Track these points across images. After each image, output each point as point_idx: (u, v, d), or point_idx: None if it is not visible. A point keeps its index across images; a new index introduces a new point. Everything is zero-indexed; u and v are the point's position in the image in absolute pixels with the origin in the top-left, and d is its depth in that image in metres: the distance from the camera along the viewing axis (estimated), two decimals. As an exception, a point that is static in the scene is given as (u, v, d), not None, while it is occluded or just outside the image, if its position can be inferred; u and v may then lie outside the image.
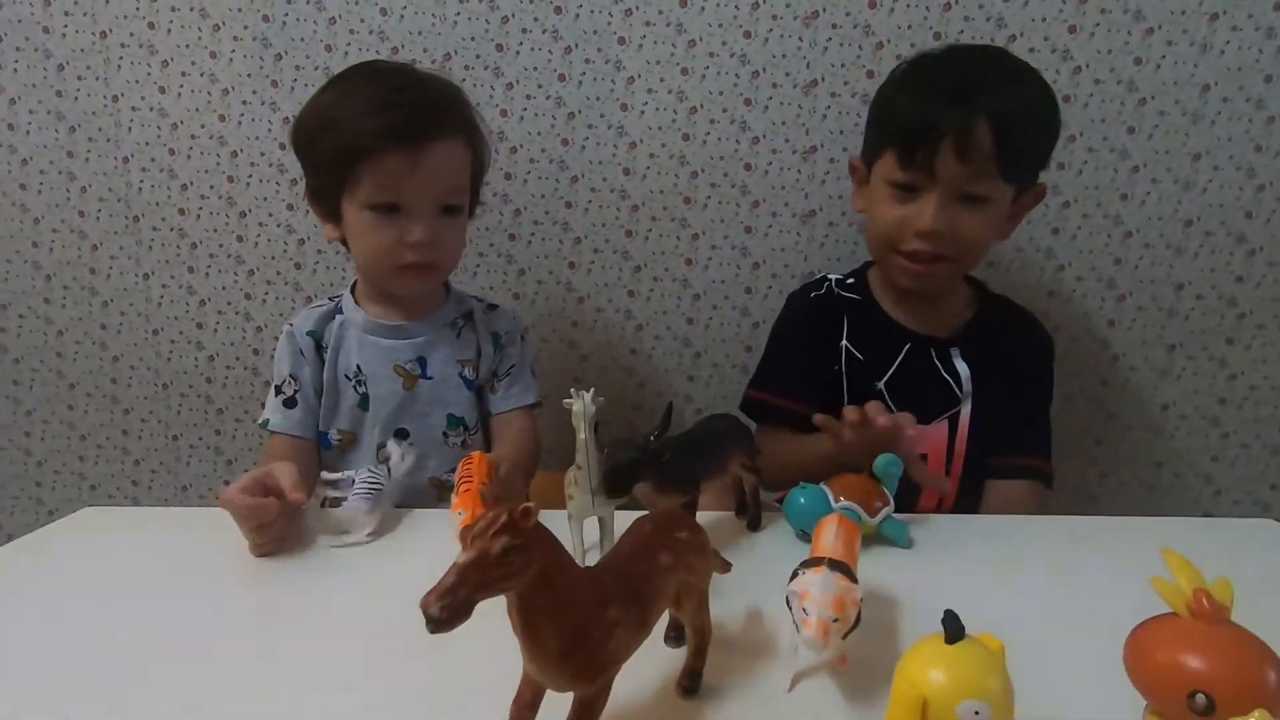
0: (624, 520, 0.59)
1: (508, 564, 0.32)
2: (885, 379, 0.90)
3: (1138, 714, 0.38)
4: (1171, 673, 0.34)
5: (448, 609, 0.31)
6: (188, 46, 1.09)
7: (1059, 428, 0.98)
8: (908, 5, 1.02)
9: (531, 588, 0.34)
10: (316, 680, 0.47)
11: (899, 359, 0.90)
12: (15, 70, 1.11)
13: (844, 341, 0.92)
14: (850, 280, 0.97)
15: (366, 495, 0.67)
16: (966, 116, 0.78)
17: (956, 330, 0.92)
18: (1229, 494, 1.14)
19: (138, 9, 1.09)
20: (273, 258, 1.15)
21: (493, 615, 0.34)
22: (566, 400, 0.53)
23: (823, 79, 1.04)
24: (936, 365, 0.90)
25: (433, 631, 0.31)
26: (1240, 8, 0.99)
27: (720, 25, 1.05)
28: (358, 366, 0.87)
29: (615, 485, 0.55)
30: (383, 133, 0.77)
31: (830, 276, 0.98)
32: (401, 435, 0.87)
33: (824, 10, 1.03)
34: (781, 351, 0.97)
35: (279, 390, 0.87)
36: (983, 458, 0.91)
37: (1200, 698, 0.33)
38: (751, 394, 0.95)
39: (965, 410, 0.89)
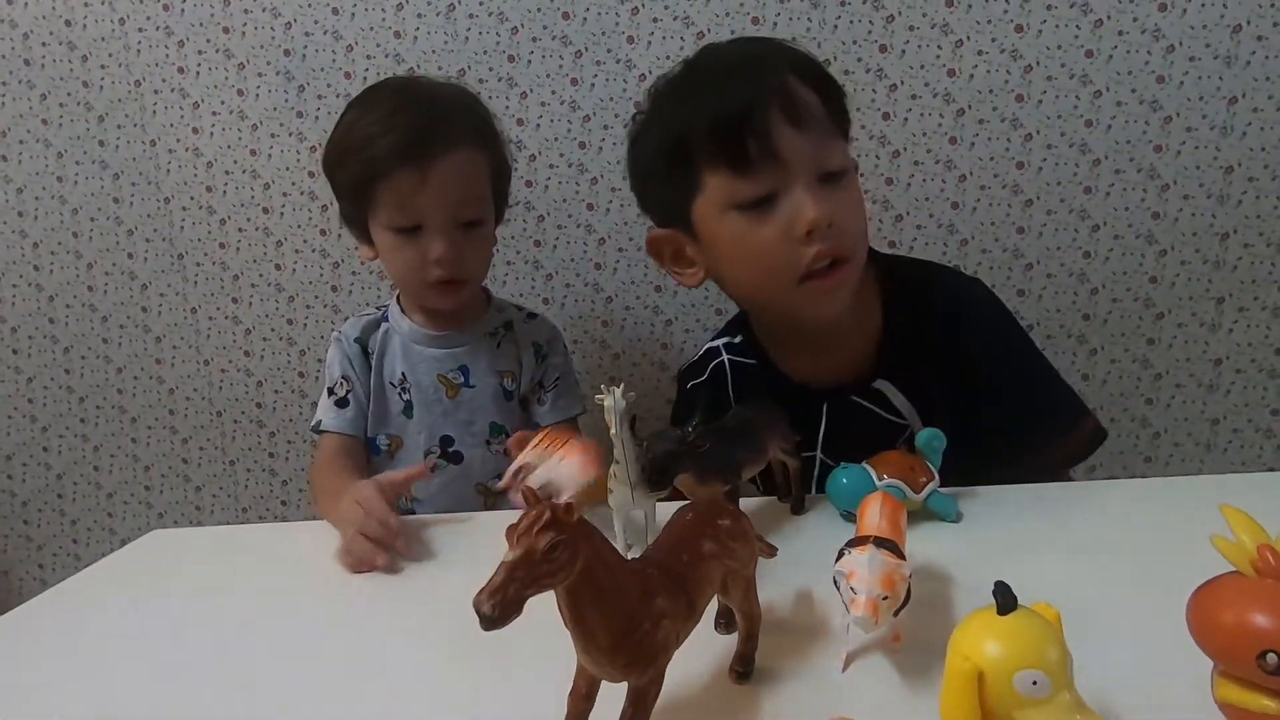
0: (665, 511, 0.60)
1: (553, 560, 0.33)
2: (819, 445, 0.76)
3: (1204, 677, 0.37)
4: (1240, 633, 0.33)
5: (499, 606, 0.32)
6: (216, 87, 1.13)
7: (1107, 391, 0.96)
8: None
9: (578, 582, 0.35)
10: (387, 683, 0.49)
11: (823, 421, 0.76)
12: (60, 125, 1.17)
13: None
14: (740, 341, 0.82)
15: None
16: (774, 79, 0.66)
17: (872, 362, 0.76)
18: (1291, 448, 1.10)
19: (168, 56, 1.13)
20: (310, 283, 1.18)
21: (544, 609, 0.35)
22: (599, 396, 0.54)
23: (835, 58, 1.04)
24: (868, 407, 0.76)
25: (486, 629, 0.32)
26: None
27: (728, 14, 1.04)
28: (402, 374, 0.90)
29: (656, 478, 0.56)
30: (389, 155, 0.79)
31: (718, 345, 0.83)
32: (447, 443, 0.90)
33: (832, -11, 1.02)
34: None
35: (331, 392, 0.90)
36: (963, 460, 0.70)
37: (1272, 657, 0.32)
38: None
39: (919, 428, 0.73)
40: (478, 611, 0.32)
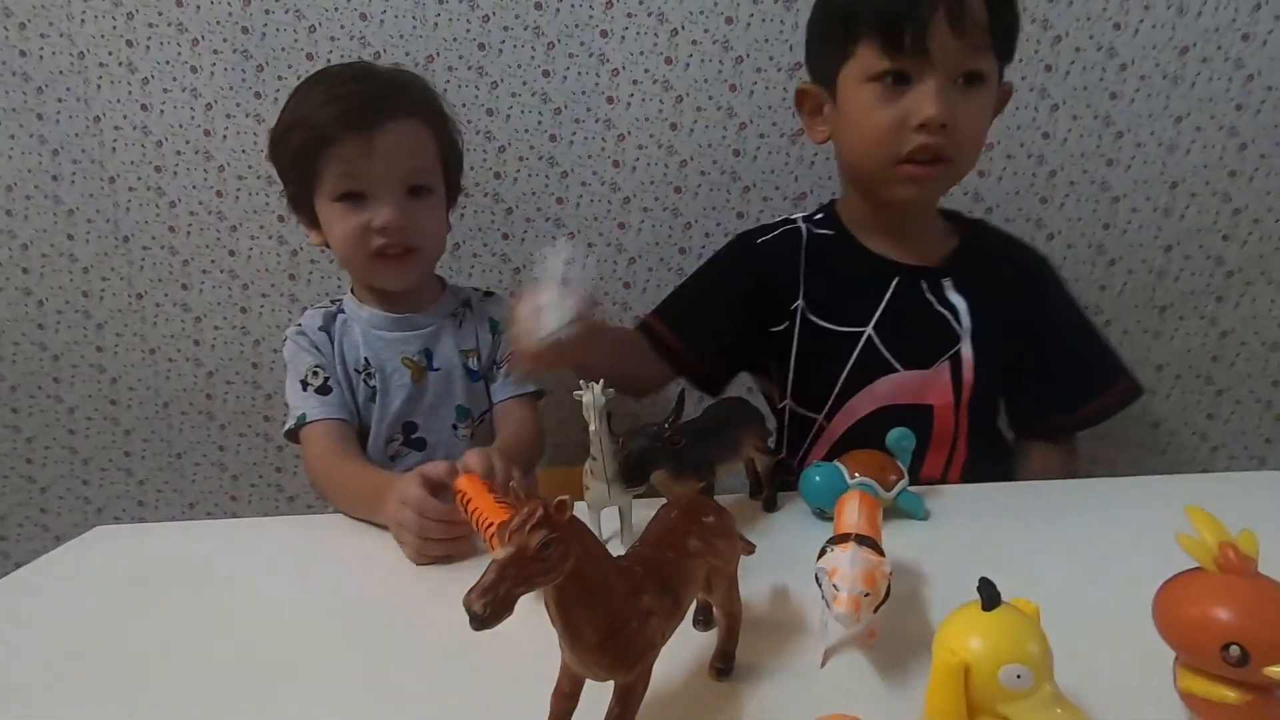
0: (640, 507, 0.60)
1: (545, 558, 0.33)
2: (873, 321, 0.81)
3: (1168, 669, 0.39)
4: (1204, 627, 0.35)
5: (490, 605, 0.31)
6: (168, 63, 1.08)
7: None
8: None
9: (568, 580, 0.34)
10: (357, 684, 0.47)
11: (887, 296, 0.81)
12: (-8, 95, 1.10)
13: (800, 298, 0.83)
14: (820, 215, 0.88)
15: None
16: None
17: (945, 258, 0.84)
18: (1225, 450, 1.16)
19: (114, 28, 1.07)
20: (266, 270, 1.14)
21: (528, 608, 0.34)
22: (577, 392, 0.53)
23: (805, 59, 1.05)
24: (929, 299, 0.81)
25: (476, 629, 0.32)
26: (1215, -31, 1.01)
27: (702, 12, 1.05)
28: (365, 360, 0.87)
29: (632, 474, 0.56)
30: (334, 121, 0.78)
31: (796, 216, 0.89)
32: (409, 430, 0.88)
33: (805, -8, 1.03)
34: (692, 286, 0.90)
35: (305, 385, 0.85)
36: (990, 406, 0.84)
37: (1234, 649, 0.34)
38: (648, 318, 0.88)
39: (966, 350, 0.80)
40: (468, 611, 0.31)
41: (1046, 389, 0.86)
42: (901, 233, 0.84)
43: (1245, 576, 0.36)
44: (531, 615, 0.35)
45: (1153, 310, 1.12)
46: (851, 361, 0.82)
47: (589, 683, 0.39)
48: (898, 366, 0.81)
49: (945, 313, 0.81)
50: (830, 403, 0.83)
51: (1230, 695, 0.36)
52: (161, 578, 0.63)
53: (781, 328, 0.84)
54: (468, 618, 0.31)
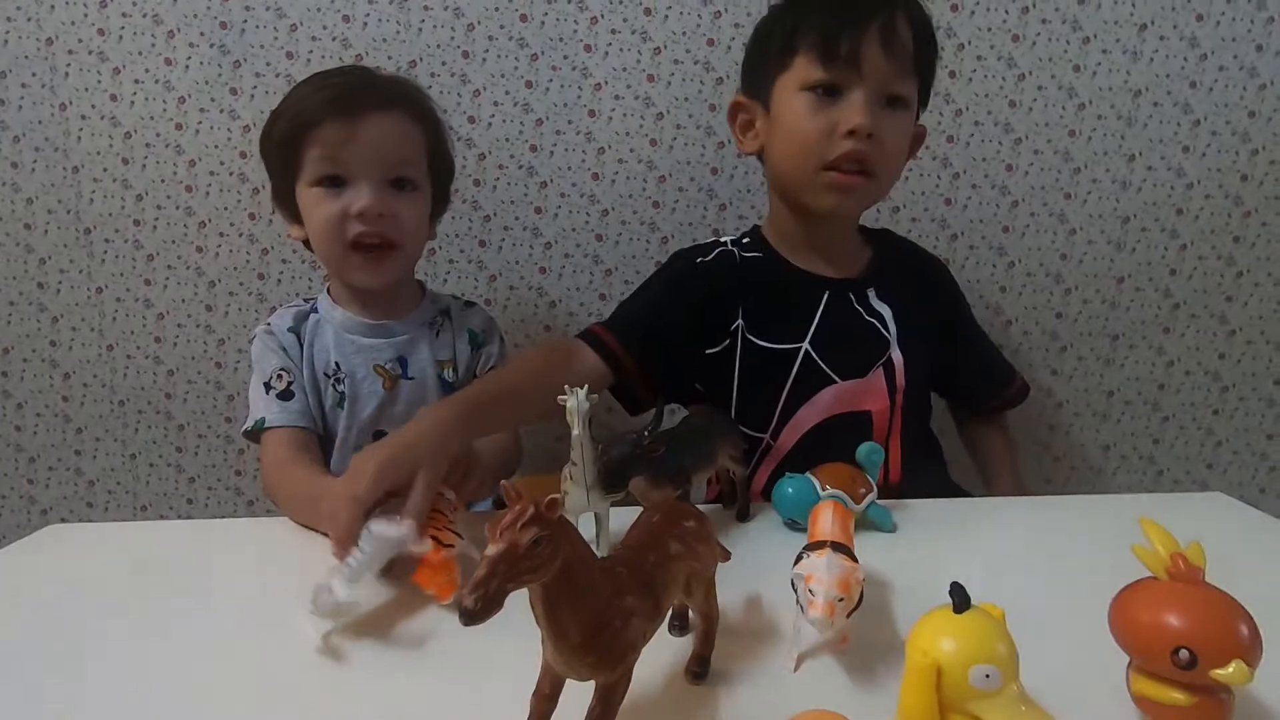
0: (616, 515, 0.60)
1: (536, 555, 0.33)
2: (809, 336, 0.84)
3: (1122, 673, 0.41)
4: (1156, 631, 0.37)
5: (481, 600, 0.32)
6: (141, 54, 1.06)
7: (1014, 417, 1.04)
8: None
9: (555, 579, 0.35)
10: (324, 688, 0.47)
11: (820, 310, 0.84)
12: (-48, 77, 1.06)
13: (740, 318, 0.84)
14: (746, 239, 0.90)
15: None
16: (885, 8, 0.77)
17: (864, 269, 0.89)
18: (1170, 474, 1.21)
19: (86, 15, 1.05)
20: (235, 268, 1.12)
21: (507, 609, 0.34)
22: (561, 397, 0.54)
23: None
24: (858, 309, 0.86)
25: (466, 624, 0.32)
26: (1165, 18, 1.07)
27: (684, 33, 1.07)
28: (336, 364, 0.86)
29: (612, 480, 0.56)
30: (320, 106, 0.78)
31: (724, 239, 0.90)
32: (380, 439, 0.86)
33: (784, 19, 1.06)
34: (639, 299, 0.88)
35: (268, 387, 0.83)
36: (922, 405, 0.90)
37: (1184, 653, 0.36)
38: (594, 326, 0.85)
39: (896, 354, 0.85)
40: (459, 606, 0.31)
41: (976, 377, 0.99)
42: (826, 247, 0.88)
43: (1194, 585, 0.38)
44: (510, 616, 0.36)
45: (1105, 338, 1.17)
46: (792, 378, 0.84)
47: (568, 684, 0.39)
48: (835, 378, 0.84)
49: (874, 321, 0.86)
50: (775, 420, 0.85)
51: (1179, 698, 0.38)
52: (115, 579, 0.61)
53: (718, 349, 0.86)
54: (458, 613, 0.31)
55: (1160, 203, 1.12)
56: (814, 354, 0.83)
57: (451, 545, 0.56)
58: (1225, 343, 1.17)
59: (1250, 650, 0.35)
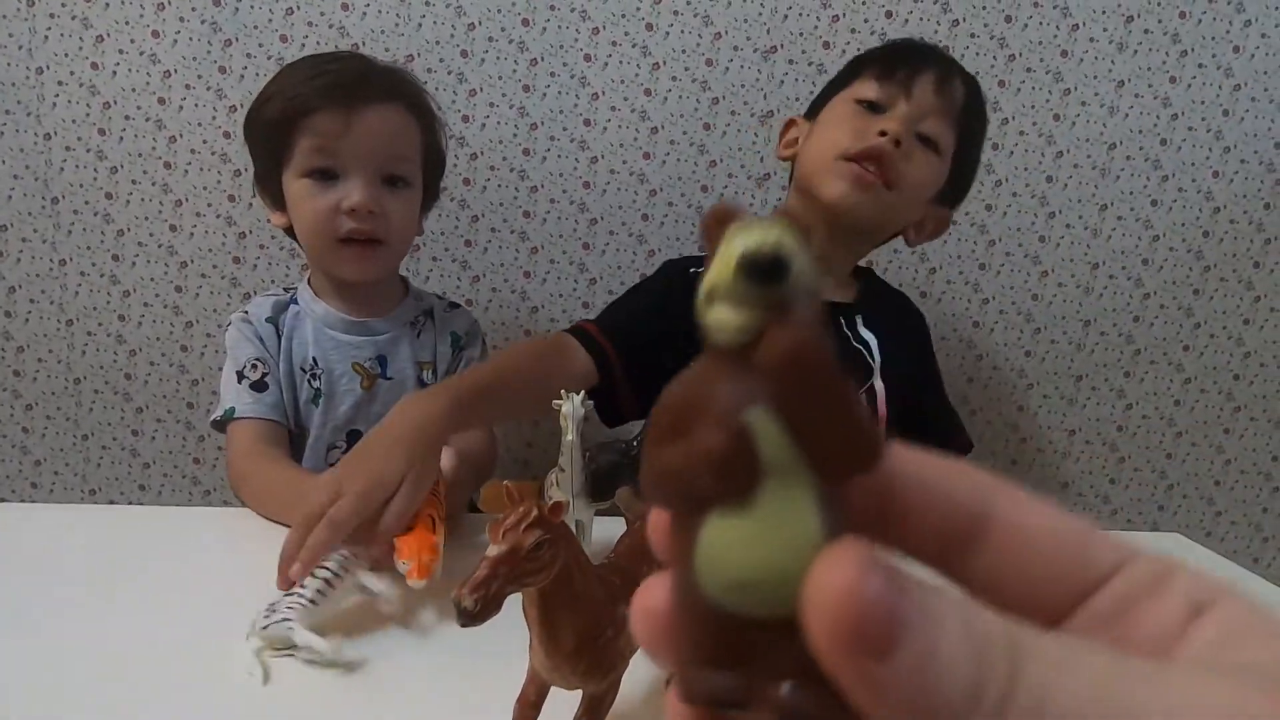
0: (598, 525, 0.60)
1: (537, 558, 0.33)
2: None
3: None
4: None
5: (481, 601, 0.31)
6: (127, 23, 1.03)
7: (980, 450, 1.06)
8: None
9: (554, 583, 0.34)
10: (288, 691, 0.45)
11: None
12: (-78, 31, 1.02)
13: None
14: None
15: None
16: (951, 65, 0.85)
17: (854, 298, 0.91)
18: (1124, 513, 1.25)
19: (72, -22, 1.02)
20: (209, 250, 1.09)
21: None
22: (556, 401, 0.54)
23: (779, 110, 1.10)
24: (847, 334, 0.87)
25: (464, 625, 0.31)
26: (1142, 78, 1.12)
27: (684, 51, 1.08)
28: (314, 359, 0.84)
29: (598, 488, 0.56)
30: (316, 93, 0.76)
31: None
32: (354, 438, 0.84)
33: (781, 45, 1.08)
34: (631, 304, 0.90)
35: (241, 376, 0.81)
36: (898, 437, 0.92)
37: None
38: (584, 323, 0.87)
39: (879, 383, 0.87)
40: (458, 606, 0.31)
41: (932, 425, 0.96)
42: (823, 270, 0.89)
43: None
44: (495, 621, 0.35)
45: (1070, 379, 1.20)
46: None
47: (552, 693, 0.39)
48: None
49: (859, 348, 0.88)
50: None
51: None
52: (58, 563, 0.58)
53: None
54: (456, 613, 0.31)
55: (1128, 251, 1.17)
56: None
57: (442, 525, 0.55)
58: (1180, 390, 1.22)
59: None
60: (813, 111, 0.91)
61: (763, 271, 0.12)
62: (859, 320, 0.89)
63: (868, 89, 0.84)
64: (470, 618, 0.31)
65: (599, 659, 0.36)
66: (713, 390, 0.13)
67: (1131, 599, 0.13)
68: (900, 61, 0.84)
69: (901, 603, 0.11)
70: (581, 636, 0.35)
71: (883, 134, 0.79)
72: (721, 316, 0.13)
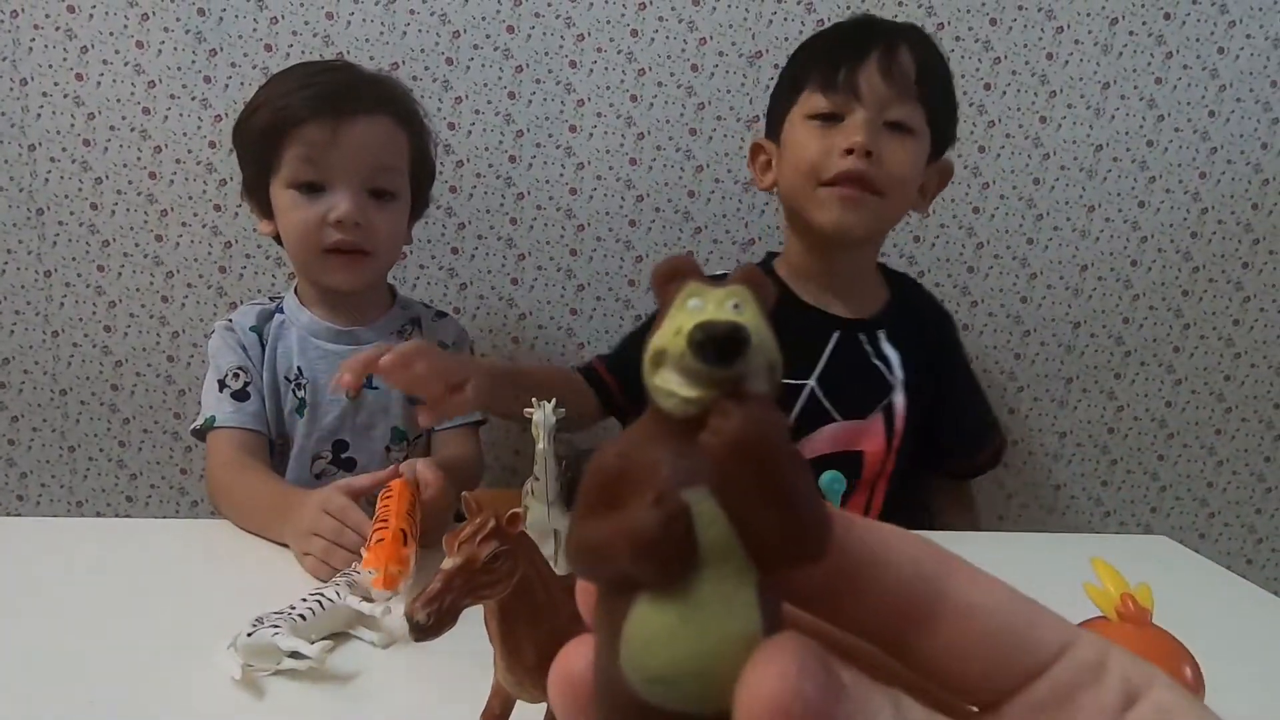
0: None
1: (494, 570, 0.32)
2: (816, 374, 0.85)
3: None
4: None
5: (434, 615, 0.31)
6: (112, 34, 1.03)
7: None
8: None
9: (513, 596, 0.34)
10: (250, 703, 0.45)
11: (829, 349, 0.85)
12: (-94, 43, 1.02)
13: None
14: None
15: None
16: (889, 37, 0.81)
17: (878, 311, 0.89)
18: (1115, 515, 1.25)
19: (56, -10, 1.02)
20: (195, 260, 1.09)
21: (457, 625, 0.33)
22: (528, 410, 0.53)
23: (764, 115, 1.09)
24: (866, 351, 0.87)
25: (417, 639, 0.31)
26: (1127, 80, 1.12)
27: (669, 57, 1.08)
28: (299, 369, 0.83)
29: (574, 497, 0.56)
30: (304, 103, 0.76)
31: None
32: (340, 448, 0.84)
33: (766, 51, 1.08)
34: (638, 336, 0.91)
35: (223, 385, 0.80)
36: (915, 455, 0.89)
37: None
38: (594, 363, 0.91)
39: (899, 399, 0.86)
40: (411, 620, 0.30)
41: (955, 436, 0.95)
42: (842, 285, 0.88)
43: (1142, 626, 0.39)
44: (459, 631, 0.35)
45: (1060, 381, 1.20)
46: (795, 414, 0.85)
47: (519, 706, 0.38)
48: (837, 416, 0.85)
49: (880, 364, 0.87)
50: None
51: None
52: (42, 577, 0.58)
53: None
54: (408, 627, 0.30)
55: (1116, 253, 1.17)
56: (819, 392, 0.84)
57: (415, 539, 0.55)
58: (1171, 391, 1.21)
59: (1194, 692, 0.36)
60: (771, 129, 0.90)
61: (717, 352, 0.11)
62: (881, 336, 0.87)
63: (816, 103, 0.81)
64: (423, 632, 0.30)
65: (564, 672, 0.36)
66: (652, 460, 0.12)
67: (1074, 686, 0.13)
68: (838, 61, 0.80)
69: (837, 710, 0.11)
70: (544, 650, 0.35)
71: (849, 151, 0.78)
72: (669, 386, 0.12)
